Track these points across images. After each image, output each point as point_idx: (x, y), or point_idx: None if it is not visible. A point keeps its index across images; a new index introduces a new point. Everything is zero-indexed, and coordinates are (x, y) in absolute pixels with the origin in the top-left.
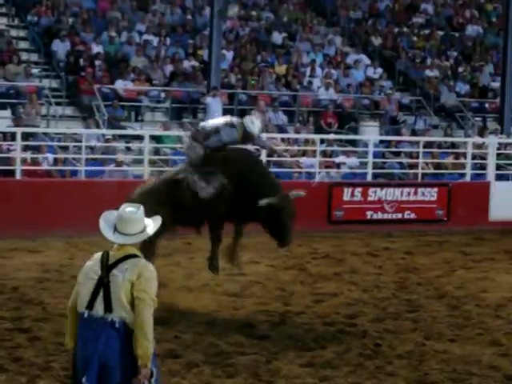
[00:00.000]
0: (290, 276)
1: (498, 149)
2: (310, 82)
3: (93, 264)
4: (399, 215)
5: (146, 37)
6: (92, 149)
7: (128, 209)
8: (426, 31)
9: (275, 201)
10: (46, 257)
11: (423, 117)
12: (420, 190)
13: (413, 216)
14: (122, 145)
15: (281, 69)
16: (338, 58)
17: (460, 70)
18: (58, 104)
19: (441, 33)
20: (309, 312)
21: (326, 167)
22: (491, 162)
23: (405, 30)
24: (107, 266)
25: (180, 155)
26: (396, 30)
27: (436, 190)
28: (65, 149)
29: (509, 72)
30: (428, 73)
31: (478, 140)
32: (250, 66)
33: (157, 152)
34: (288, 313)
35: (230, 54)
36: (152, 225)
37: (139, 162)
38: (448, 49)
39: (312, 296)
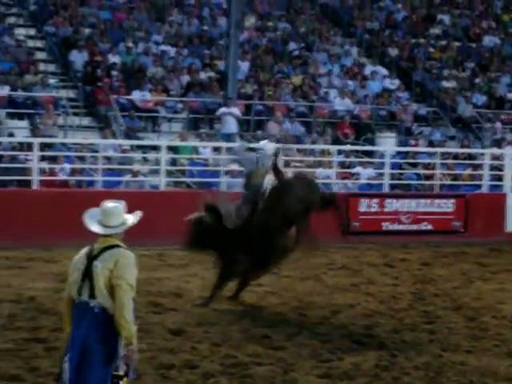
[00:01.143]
0: (307, 287)
1: None
2: (327, 93)
3: (80, 256)
4: (415, 226)
5: (162, 47)
6: (109, 159)
7: (110, 203)
8: (443, 42)
9: None
10: (62, 266)
11: (440, 128)
12: (437, 201)
13: (429, 227)
14: (138, 155)
15: (297, 79)
16: (355, 69)
17: (477, 80)
18: (75, 114)
19: (457, 44)
20: (325, 323)
21: (343, 178)
22: (508, 173)
23: (421, 40)
24: (91, 257)
25: (196, 166)
26: (413, 40)
27: (453, 201)
28: (82, 159)
29: None
30: (445, 84)
31: (495, 151)
32: (267, 76)
33: (173, 162)
34: (305, 323)
35: (246, 65)
36: (132, 218)
37: (156, 172)
38: (465, 60)
39: (329, 307)
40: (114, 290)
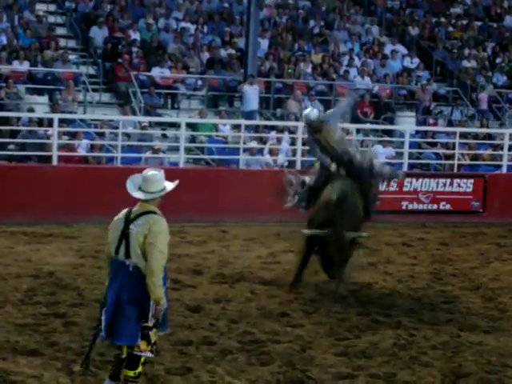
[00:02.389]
0: None
1: None
2: (347, 72)
3: (119, 218)
4: (434, 206)
5: (182, 24)
6: (128, 135)
7: (151, 171)
8: (464, 21)
9: None
10: (81, 242)
11: (460, 108)
12: (456, 181)
13: (448, 207)
14: (158, 132)
15: (317, 57)
16: (375, 48)
17: (497, 60)
18: (94, 90)
19: (478, 23)
20: (343, 302)
21: None
22: None
23: (442, 20)
24: (128, 220)
25: (215, 143)
26: (433, 20)
27: (472, 181)
28: (101, 135)
29: None
30: (465, 63)
31: None
32: (287, 54)
33: (193, 140)
34: (322, 302)
35: (266, 42)
36: (171, 185)
37: (175, 149)
38: (485, 39)
39: (346, 286)
40: (146, 253)
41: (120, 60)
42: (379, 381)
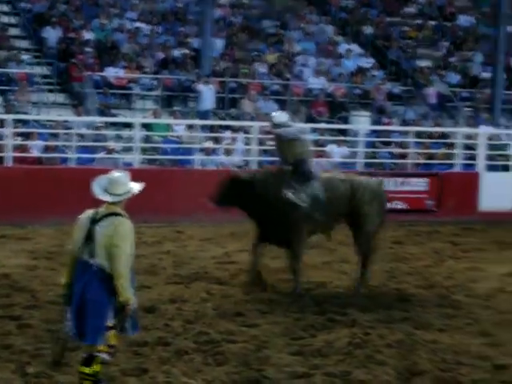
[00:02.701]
0: (280, 264)
1: (489, 139)
2: (302, 71)
3: (85, 217)
4: (388, 205)
5: (137, 24)
6: (82, 136)
7: (117, 173)
8: (418, 21)
9: None
10: (35, 244)
11: (414, 107)
12: (410, 180)
13: (403, 206)
14: (112, 132)
15: (272, 57)
16: (330, 47)
17: (451, 60)
18: (48, 91)
19: (433, 22)
20: (298, 301)
21: (317, 156)
22: (481, 152)
23: (397, 19)
24: (94, 221)
25: (170, 143)
26: (388, 19)
27: (426, 180)
28: (55, 136)
29: (500, 62)
30: (419, 63)
31: (469, 130)
32: (242, 54)
33: (147, 140)
34: (278, 301)
35: (221, 42)
36: (137, 187)
37: (129, 149)
38: (440, 39)
39: (302, 285)
40: (111, 256)
41: (74, 60)
42: (335, 379)
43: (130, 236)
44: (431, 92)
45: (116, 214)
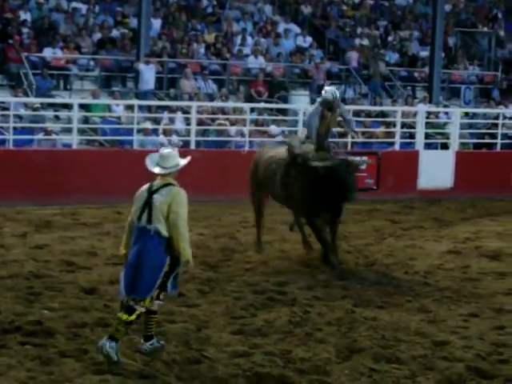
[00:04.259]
0: (220, 244)
1: (427, 118)
2: (240, 51)
3: (142, 191)
4: None
5: (74, 4)
6: (20, 117)
7: (166, 149)
8: (356, 0)
9: None
10: None
11: (352, 86)
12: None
13: None
14: (50, 113)
15: (210, 37)
16: (268, 27)
17: (389, 39)
18: None
19: (371, 2)
20: (238, 280)
21: (258, 136)
22: (420, 130)
23: None
24: (151, 191)
25: (109, 124)
26: None
27: (365, 158)
28: None
29: (437, 41)
30: (358, 42)
31: (408, 109)
32: (180, 34)
33: (86, 121)
34: (217, 281)
35: (158, 22)
36: (184, 161)
37: (68, 130)
38: (378, 18)
39: (241, 264)
40: (171, 221)
41: (11, 41)
42: (275, 358)
43: (185, 204)
44: (352, 54)
45: (171, 184)
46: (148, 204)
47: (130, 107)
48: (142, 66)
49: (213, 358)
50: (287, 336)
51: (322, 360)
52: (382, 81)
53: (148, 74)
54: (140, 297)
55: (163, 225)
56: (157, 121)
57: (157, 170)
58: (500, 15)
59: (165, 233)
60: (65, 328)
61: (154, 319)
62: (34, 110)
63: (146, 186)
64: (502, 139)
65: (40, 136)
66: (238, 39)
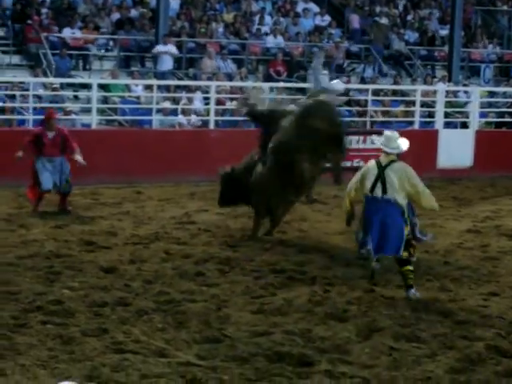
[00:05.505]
0: (240, 224)
1: (446, 96)
2: (259, 30)
3: (371, 165)
4: (348, 163)
5: None
6: (40, 98)
7: (389, 132)
8: None
9: None
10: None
11: (372, 65)
12: (369, 138)
13: (361, 164)
14: (69, 93)
15: (229, 16)
16: (287, 6)
17: (409, 17)
18: (4, 52)
19: None
20: (258, 260)
21: None
22: (439, 109)
23: None
24: (381, 167)
25: (128, 104)
26: None
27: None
28: (12, 97)
29: (457, 19)
30: (377, 21)
31: (428, 88)
32: (199, 13)
33: (105, 101)
34: (237, 260)
35: (177, 2)
36: (405, 144)
37: (87, 110)
38: None
39: (261, 243)
40: (412, 191)
41: (30, 21)
42: (295, 337)
43: (416, 175)
44: (353, 17)
45: (397, 161)
46: (380, 178)
47: (148, 87)
48: (161, 47)
49: (233, 336)
50: (307, 315)
51: (342, 339)
52: (399, 56)
53: (167, 54)
54: (394, 253)
55: (399, 195)
56: (176, 100)
57: (386, 149)
58: None
59: (401, 202)
60: (85, 307)
61: (410, 269)
62: (54, 90)
63: (373, 163)
64: None
65: (59, 116)
66: (257, 18)
